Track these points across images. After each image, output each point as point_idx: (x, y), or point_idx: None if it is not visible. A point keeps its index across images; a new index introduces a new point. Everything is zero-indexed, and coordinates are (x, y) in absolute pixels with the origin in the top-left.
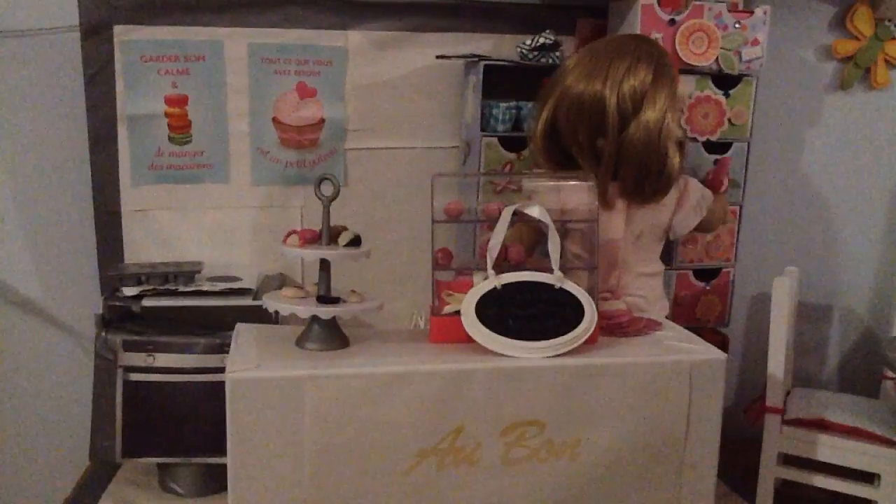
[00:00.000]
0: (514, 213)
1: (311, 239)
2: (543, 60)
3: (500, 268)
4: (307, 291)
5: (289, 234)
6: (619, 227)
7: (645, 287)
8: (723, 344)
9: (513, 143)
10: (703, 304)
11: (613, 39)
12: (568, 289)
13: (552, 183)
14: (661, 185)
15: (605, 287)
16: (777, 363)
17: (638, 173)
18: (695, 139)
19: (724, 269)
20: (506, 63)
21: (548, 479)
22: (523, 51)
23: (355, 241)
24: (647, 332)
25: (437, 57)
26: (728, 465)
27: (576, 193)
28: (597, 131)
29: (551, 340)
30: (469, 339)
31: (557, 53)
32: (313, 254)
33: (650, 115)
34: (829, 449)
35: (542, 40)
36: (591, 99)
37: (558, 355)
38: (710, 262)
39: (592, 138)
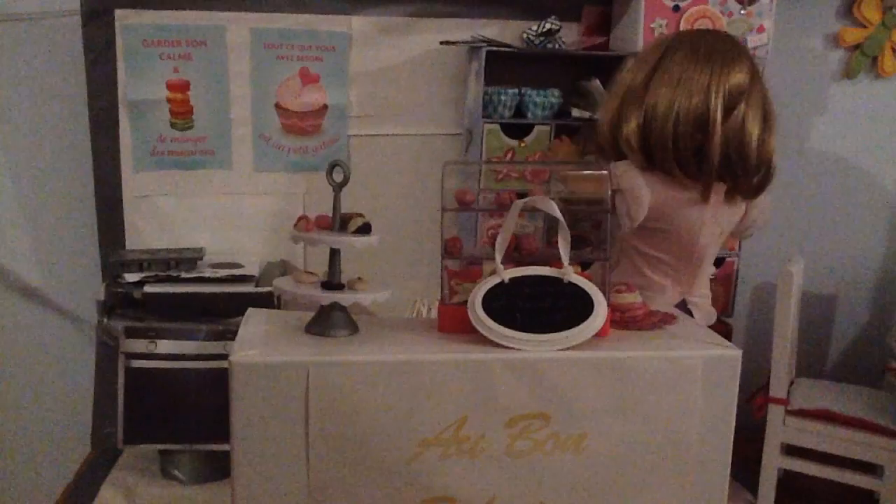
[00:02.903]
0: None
1: (321, 225)
2: (550, 46)
3: (510, 259)
4: (318, 277)
5: (299, 220)
6: (710, 228)
7: (707, 286)
8: (727, 334)
9: (514, 129)
10: None
11: (701, 38)
12: (577, 283)
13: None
14: (765, 181)
15: (686, 287)
16: (781, 353)
17: (747, 171)
18: None
19: (728, 259)
20: (509, 49)
21: (553, 473)
22: (530, 36)
23: (365, 229)
24: (661, 327)
25: (441, 43)
26: None
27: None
28: (703, 137)
29: (559, 333)
30: (477, 330)
31: (562, 38)
32: (318, 240)
33: (754, 113)
34: (833, 440)
35: (548, 26)
36: (698, 109)
37: (566, 348)
38: None
39: (698, 143)
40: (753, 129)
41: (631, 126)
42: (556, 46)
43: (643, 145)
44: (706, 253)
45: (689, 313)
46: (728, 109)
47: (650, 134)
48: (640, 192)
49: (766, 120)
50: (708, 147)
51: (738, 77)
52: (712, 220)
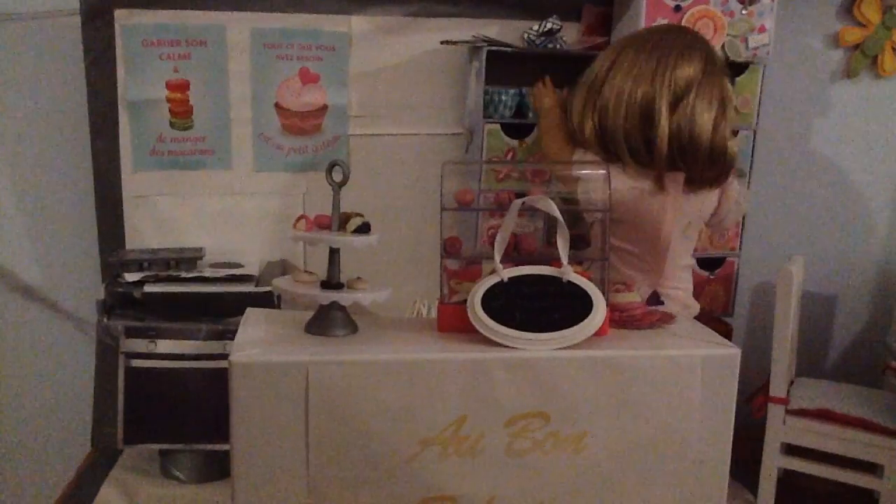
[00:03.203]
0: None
1: (320, 224)
2: (550, 46)
3: (510, 258)
4: (318, 277)
5: (298, 219)
6: (672, 218)
7: (684, 280)
8: (727, 333)
9: (515, 129)
10: (708, 293)
11: (655, 32)
12: (576, 282)
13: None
14: (723, 170)
15: (655, 279)
16: (781, 353)
17: (700, 160)
18: None
19: (728, 259)
20: (510, 49)
21: (552, 472)
22: (531, 36)
23: (363, 228)
24: (660, 326)
25: (442, 42)
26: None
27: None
28: (651, 129)
29: (558, 332)
30: (477, 329)
31: (563, 37)
32: (316, 239)
33: (705, 105)
34: (833, 439)
35: (549, 26)
36: (644, 99)
37: (565, 347)
38: (714, 252)
39: (647, 136)
40: (704, 119)
41: (588, 122)
42: (557, 46)
43: (600, 139)
44: (672, 243)
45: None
46: (675, 100)
47: (605, 128)
48: None
49: (721, 110)
50: (655, 139)
51: (687, 69)
52: (674, 209)
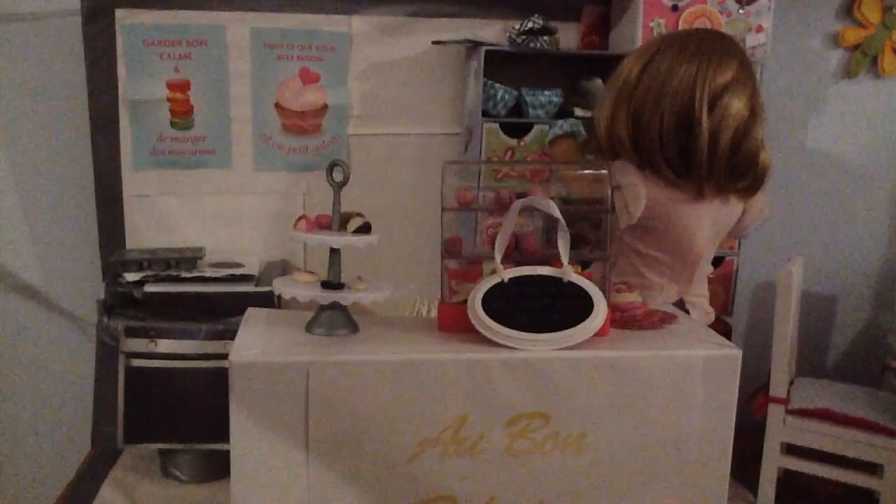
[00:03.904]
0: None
1: (321, 224)
2: (532, 45)
3: (510, 259)
4: (318, 277)
5: (298, 219)
6: (709, 227)
7: (704, 286)
8: (726, 333)
9: (514, 128)
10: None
11: (692, 37)
12: (577, 282)
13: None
14: (757, 179)
15: (685, 287)
16: (781, 353)
17: (734, 167)
18: None
19: (728, 258)
20: (508, 49)
21: (552, 472)
22: (512, 35)
23: (364, 228)
24: (661, 326)
25: (433, 42)
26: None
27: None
28: (687, 136)
29: (559, 333)
30: (477, 329)
31: (553, 37)
32: (316, 240)
33: (739, 107)
34: (833, 439)
35: (530, 24)
36: (683, 106)
37: (566, 348)
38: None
39: (683, 143)
40: (735, 124)
41: (622, 126)
42: (541, 46)
43: (634, 145)
44: (704, 252)
45: (687, 312)
46: (712, 107)
47: (639, 133)
48: (638, 189)
49: (752, 116)
50: (694, 145)
51: (726, 76)
52: (709, 219)
